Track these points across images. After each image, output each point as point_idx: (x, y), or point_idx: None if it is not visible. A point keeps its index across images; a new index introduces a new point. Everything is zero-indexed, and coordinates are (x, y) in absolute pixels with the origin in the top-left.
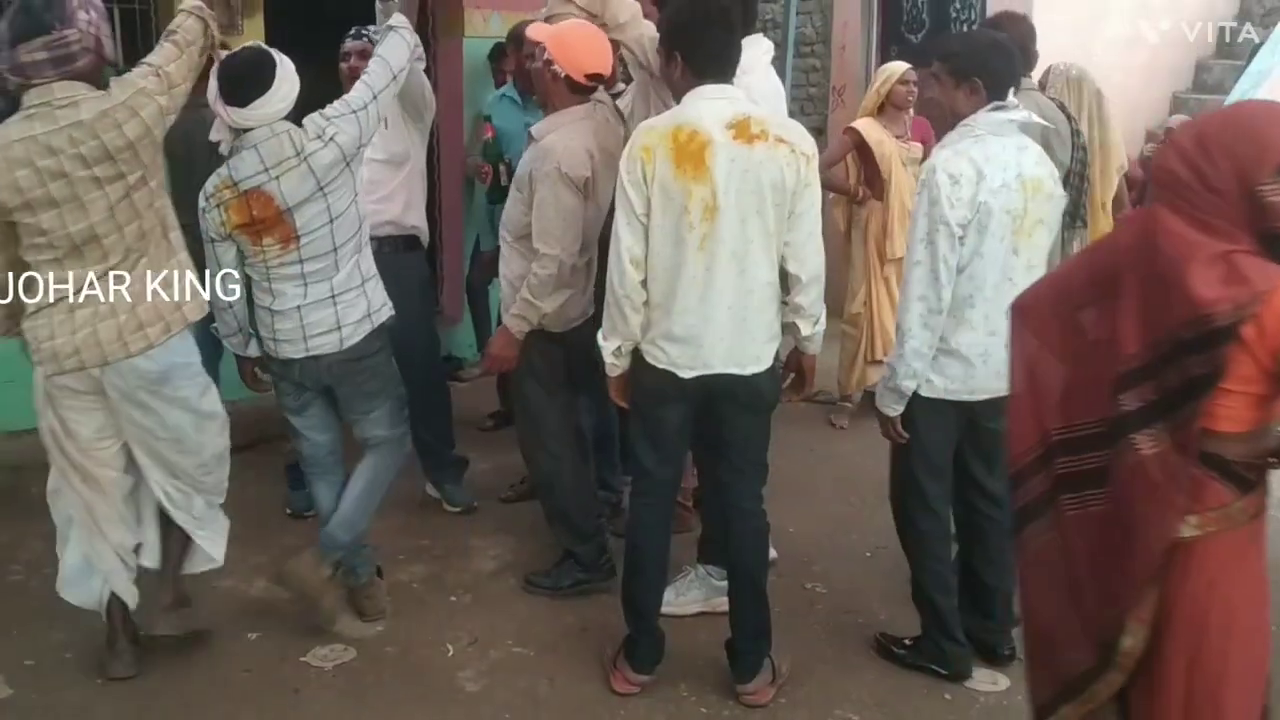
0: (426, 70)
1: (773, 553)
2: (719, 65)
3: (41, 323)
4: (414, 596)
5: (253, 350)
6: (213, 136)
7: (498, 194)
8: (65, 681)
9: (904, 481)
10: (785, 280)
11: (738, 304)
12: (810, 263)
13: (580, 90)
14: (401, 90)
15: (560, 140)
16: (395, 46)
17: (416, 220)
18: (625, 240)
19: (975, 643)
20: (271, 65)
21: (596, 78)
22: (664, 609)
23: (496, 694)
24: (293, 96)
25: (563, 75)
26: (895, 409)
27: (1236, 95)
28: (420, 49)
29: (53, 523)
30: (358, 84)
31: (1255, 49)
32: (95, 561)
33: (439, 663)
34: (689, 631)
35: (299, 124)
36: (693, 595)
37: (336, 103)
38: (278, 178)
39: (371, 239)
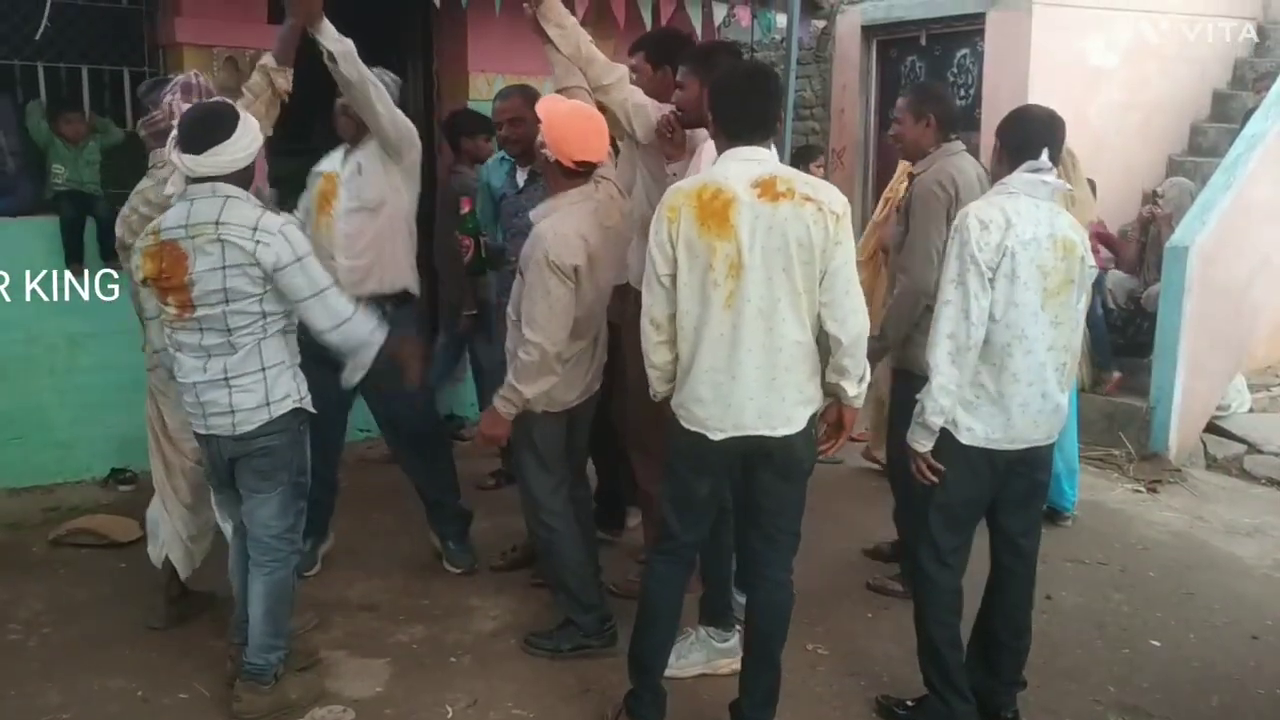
0: (427, 133)
1: None
2: (749, 128)
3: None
4: (413, 657)
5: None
6: (167, 190)
7: (478, 265)
8: None
9: (920, 531)
10: (826, 341)
11: (766, 362)
12: (849, 323)
13: (573, 174)
14: (377, 132)
15: (552, 226)
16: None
17: (400, 275)
18: (646, 301)
19: (980, 703)
20: (234, 117)
21: (586, 165)
22: (665, 672)
23: None
24: (252, 151)
25: (553, 160)
26: (925, 444)
27: (1232, 158)
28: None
29: (50, 582)
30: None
31: (1249, 113)
32: (152, 528)
33: None
34: (689, 693)
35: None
36: (694, 658)
37: (297, 235)
38: (192, 239)
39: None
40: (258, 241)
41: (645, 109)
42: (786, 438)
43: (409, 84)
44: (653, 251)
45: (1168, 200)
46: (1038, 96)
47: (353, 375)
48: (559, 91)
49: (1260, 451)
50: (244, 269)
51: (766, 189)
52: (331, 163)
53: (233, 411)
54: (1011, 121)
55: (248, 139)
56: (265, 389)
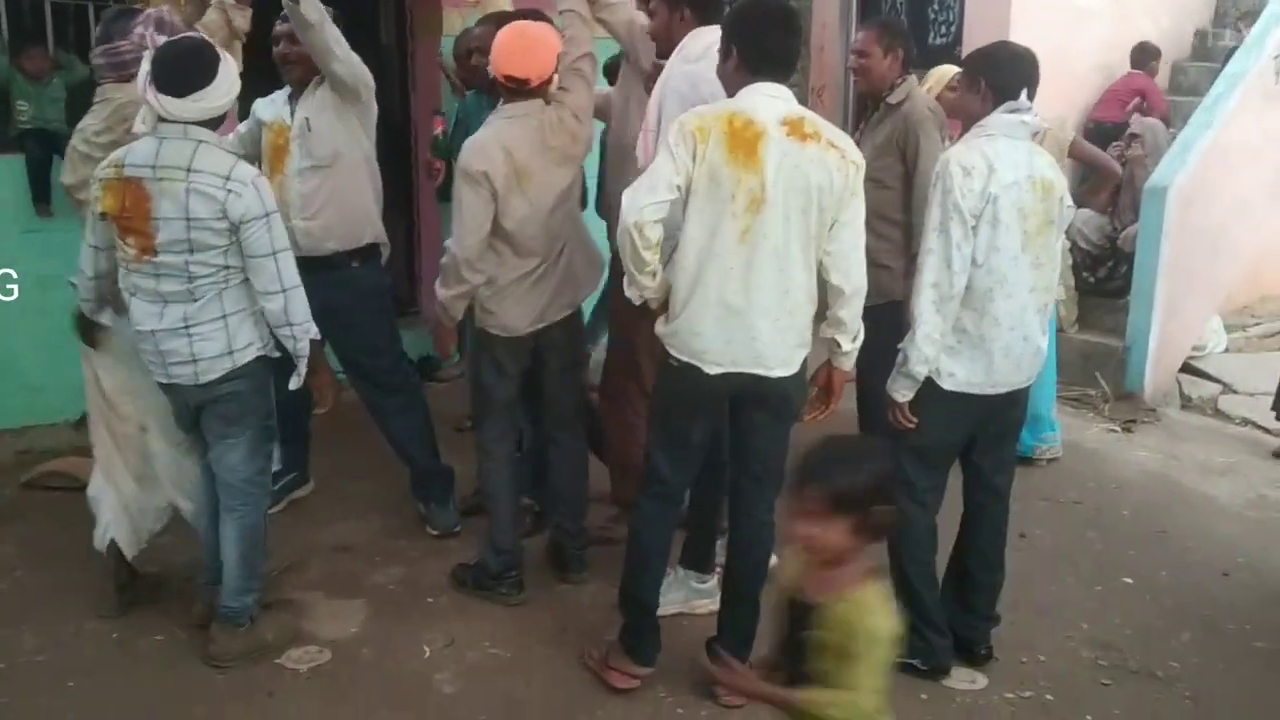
0: (404, 70)
1: (774, 559)
2: (775, 65)
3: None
4: (390, 598)
5: (105, 319)
6: (137, 128)
7: (449, 191)
8: (37, 686)
9: (895, 470)
10: (825, 292)
11: (775, 303)
12: (854, 275)
13: (510, 91)
14: (330, 75)
15: (475, 138)
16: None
17: (363, 227)
18: (640, 200)
19: (954, 639)
20: (216, 59)
21: (514, 80)
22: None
23: (473, 696)
24: (232, 96)
25: (491, 76)
26: (905, 395)
27: (1212, 97)
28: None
29: (23, 525)
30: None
31: (1230, 52)
32: (94, 508)
33: (415, 665)
34: (667, 632)
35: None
36: (673, 596)
37: (268, 189)
38: (159, 181)
39: (317, 258)
40: (229, 191)
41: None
42: (782, 379)
43: (380, 18)
44: (672, 158)
45: (1144, 141)
46: (1019, 35)
47: (296, 379)
48: (560, 14)
49: (1235, 392)
50: (209, 223)
51: (795, 128)
52: (276, 108)
53: (195, 360)
54: (989, 59)
55: (228, 83)
56: (227, 337)
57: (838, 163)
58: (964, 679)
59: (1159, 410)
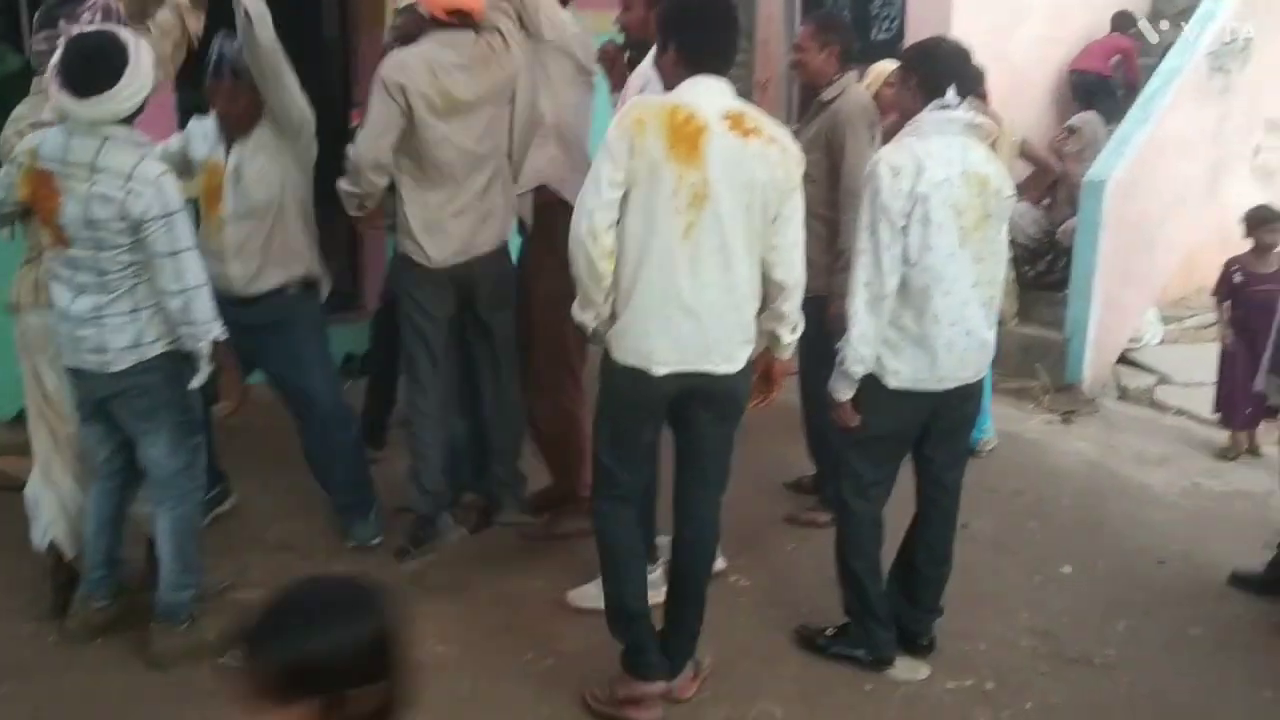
0: (345, 67)
1: (720, 563)
2: (713, 58)
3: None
4: None
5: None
6: (44, 115)
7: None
8: None
9: (842, 463)
10: (767, 286)
11: (720, 300)
12: (795, 269)
13: (443, 26)
14: (275, 107)
15: (398, 54)
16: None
17: (298, 263)
18: (588, 207)
19: (898, 631)
20: (122, 56)
21: (459, 14)
22: (588, 604)
23: (418, 693)
24: (142, 95)
25: (427, 16)
26: (846, 394)
27: (1149, 93)
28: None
29: None
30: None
31: (1167, 48)
32: (32, 510)
33: None
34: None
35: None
36: None
37: (171, 189)
38: (66, 178)
39: (255, 296)
40: (128, 191)
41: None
42: (729, 376)
43: (322, 10)
44: (610, 157)
45: (1081, 135)
46: (960, 30)
47: (199, 377)
48: None
49: (1170, 382)
50: (109, 224)
51: (737, 123)
52: (210, 145)
53: (104, 350)
54: (919, 55)
55: (136, 85)
56: (137, 330)
57: (779, 157)
58: (907, 669)
59: (1097, 401)
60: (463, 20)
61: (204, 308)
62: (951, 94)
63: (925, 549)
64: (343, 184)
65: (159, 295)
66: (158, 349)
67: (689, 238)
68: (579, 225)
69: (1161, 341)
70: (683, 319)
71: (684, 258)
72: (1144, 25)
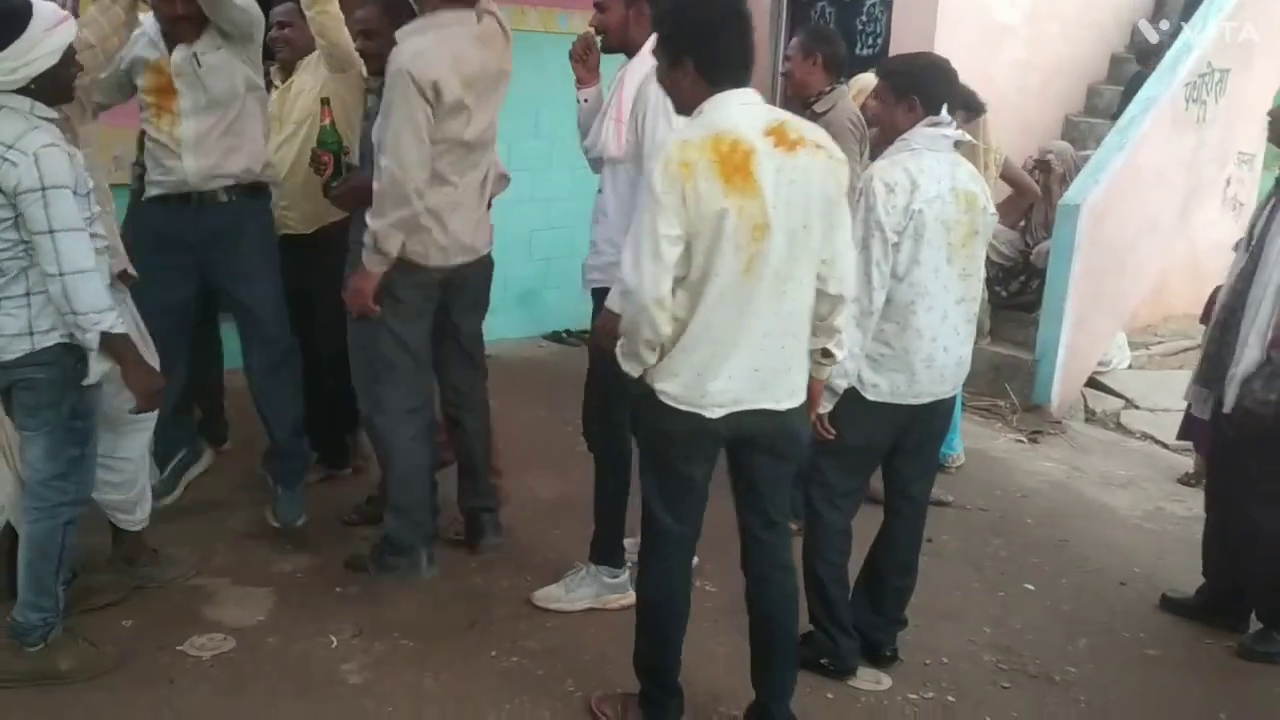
0: None
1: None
2: (738, 68)
3: None
4: (298, 587)
5: None
6: None
7: (337, 185)
8: None
9: (814, 471)
10: (819, 303)
11: (776, 328)
12: (849, 280)
13: (449, 3)
14: (227, 16)
15: (414, 42)
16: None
17: (252, 166)
18: (649, 273)
19: (862, 640)
20: (22, 21)
21: None
22: (553, 605)
23: (380, 687)
24: (36, 66)
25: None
26: (826, 407)
27: (1126, 120)
28: None
29: None
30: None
31: (1135, 75)
32: None
33: (321, 654)
34: (576, 628)
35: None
36: (583, 592)
37: (55, 163)
38: None
39: (203, 193)
40: (4, 160)
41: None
42: (791, 411)
43: None
44: (654, 212)
45: (1061, 159)
46: (943, 49)
47: (91, 374)
48: None
49: (1137, 407)
50: None
51: (780, 137)
52: (147, 46)
53: None
54: (921, 73)
55: (28, 50)
56: (29, 316)
57: (827, 165)
58: (869, 679)
59: (1064, 422)
60: None
61: (89, 296)
62: (944, 111)
63: (891, 560)
64: (378, 222)
65: (44, 276)
66: (51, 339)
67: (750, 271)
68: (641, 294)
69: (1129, 366)
70: (740, 355)
71: (744, 293)
72: (1144, 25)
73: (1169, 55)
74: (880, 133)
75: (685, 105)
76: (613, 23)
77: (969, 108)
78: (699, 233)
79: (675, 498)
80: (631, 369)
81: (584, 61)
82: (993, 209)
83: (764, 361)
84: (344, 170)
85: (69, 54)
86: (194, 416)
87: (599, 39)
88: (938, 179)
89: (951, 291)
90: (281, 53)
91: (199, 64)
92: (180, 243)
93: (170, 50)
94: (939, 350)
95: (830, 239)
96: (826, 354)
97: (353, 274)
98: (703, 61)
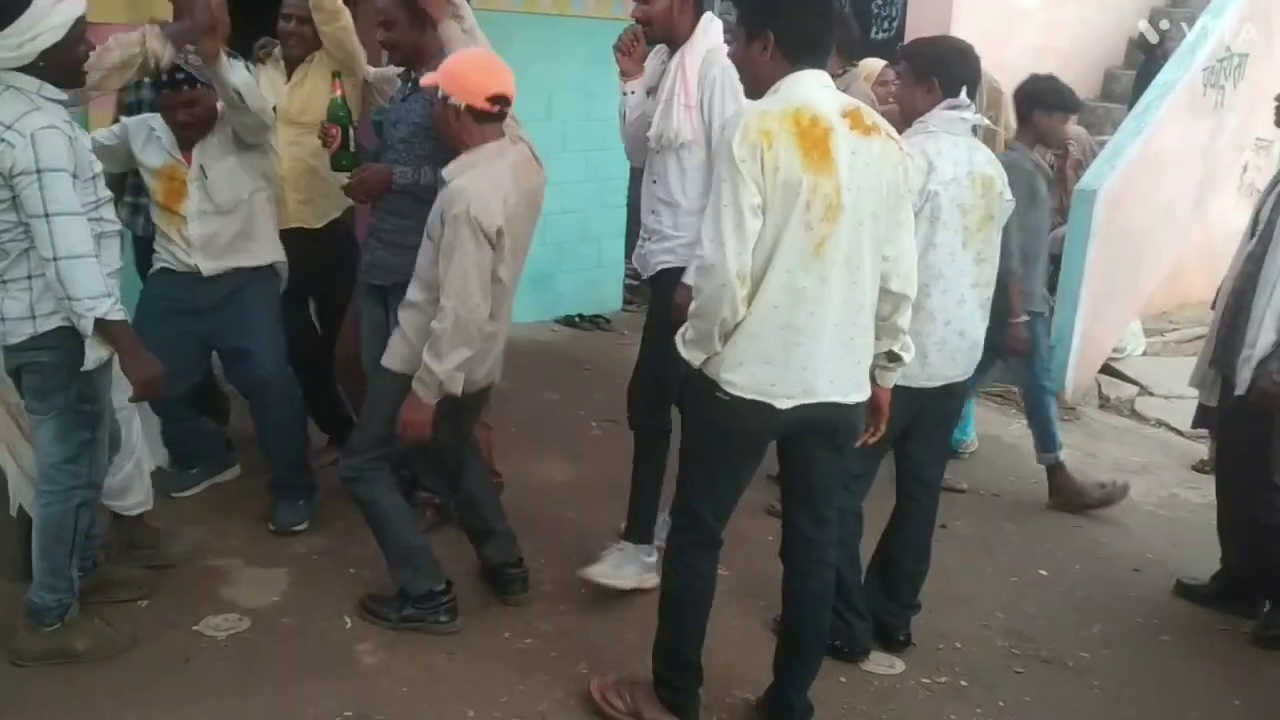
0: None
1: None
2: (818, 50)
3: None
4: (313, 568)
5: None
6: None
7: (346, 160)
8: None
9: None
10: (882, 299)
11: (846, 319)
12: (913, 278)
13: (489, 118)
14: (244, 131)
15: (472, 183)
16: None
17: (260, 258)
18: (733, 245)
19: (875, 626)
20: (17, 2)
21: (501, 99)
22: (604, 579)
23: (394, 667)
24: (43, 40)
25: (461, 107)
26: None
27: (1143, 105)
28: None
29: None
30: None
31: (1142, 63)
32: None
33: (336, 635)
34: (589, 610)
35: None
36: (628, 570)
37: (53, 146)
38: None
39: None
40: (2, 140)
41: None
42: (857, 405)
43: None
44: (735, 182)
45: (1079, 144)
46: (958, 33)
47: (89, 359)
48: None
49: (1151, 394)
50: None
51: (857, 120)
52: (162, 150)
53: (2, 319)
54: (942, 56)
55: (27, 34)
56: (31, 299)
57: (899, 157)
58: (882, 663)
59: (1078, 409)
60: (503, 111)
61: (83, 281)
62: (964, 95)
63: (904, 545)
64: (440, 366)
65: (42, 261)
66: (54, 323)
67: (820, 254)
68: (726, 269)
69: (1144, 353)
70: (810, 344)
71: (813, 277)
72: (1143, 25)
73: (1187, 40)
74: (900, 113)
75: (761, 83)
76: (657, 13)
77: (1065, 108)
78: (773, 206)
79: (722, 498)
80: (695, 356)
81: (630, 54)
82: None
83: (834, 355)
84: (351, 145)
85: (77, 30)
86: (222, 426)
87: (644, 30)
88: (954, 162)
89: (967, 275)
90: (292, 50)
91: (205, 174)
92: (188, 312)
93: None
94: (953, 334)
95: (895, 233)
96: (893, 357)
97: (407, 405)
98: (785, 38)
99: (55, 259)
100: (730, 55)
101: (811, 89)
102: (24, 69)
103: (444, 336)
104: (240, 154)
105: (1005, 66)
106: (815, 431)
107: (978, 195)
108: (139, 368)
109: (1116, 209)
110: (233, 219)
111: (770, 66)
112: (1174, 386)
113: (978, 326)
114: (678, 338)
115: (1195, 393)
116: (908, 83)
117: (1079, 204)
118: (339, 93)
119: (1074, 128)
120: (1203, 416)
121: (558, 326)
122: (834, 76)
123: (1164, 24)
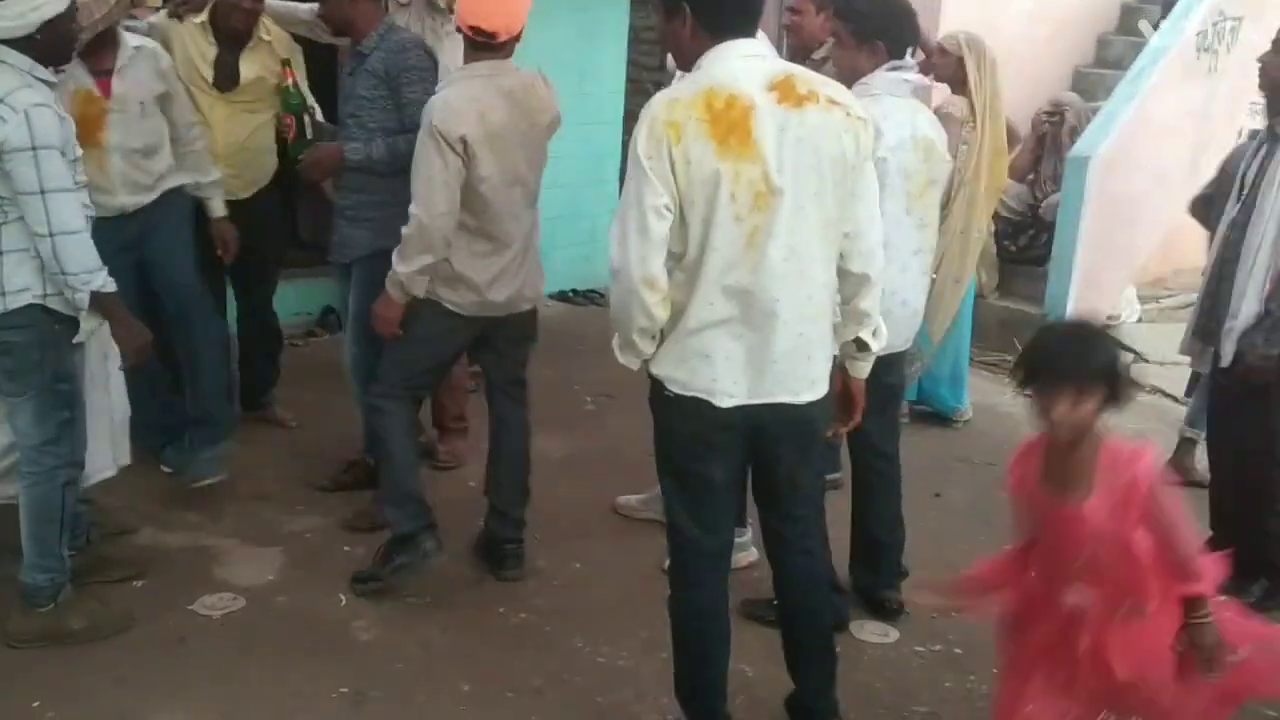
0: None
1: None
2: (744, 18)
3: None
4: (307, 547)
5: None
6: None
7: (301, 148)
8: None
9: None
10: (842, 282)
11: (793, 314)
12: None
13: (477, 46)
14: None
15: (442, 96)
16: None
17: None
18: (636, 250)
19: (865, 598)
20: None
21: (480, 34)
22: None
23: (390, 643)
24: (46, 10)
25: (459, 28)
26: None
27: (1136, 70)
28: None
29: None
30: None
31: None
32: None
33: (331, 613)
34: (583, 586)
35: None
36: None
37: (46, 123)
38: None
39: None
40: None
41: None
42: (811, 405)
43: None
44: (639, 181)
45: (1074, 111)
46: (952, 3)
47: (81, 333)
48: None
49: (1146, 361)
50: None
51: (786, 91)
52: (76, 74)
53: None
54: (885, 16)
55: (22, 6)
56: (2, 276)
57: (844, 124)
58: (876, 632)
59: None
60: (489, 42)
61: (78, 256)
62: (909, 56)
63: (876, 519)
64: (403, 267)
65: (33, 236)
66: (23, 300)
67: (754, 245)
68: (629, 274)
69: (1139, 320)
70: (751, 340)
71: (745, 270)
72: (1143, 25)
73: (1180, 4)
74: (838, 75)
75: (686, 61)
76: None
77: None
78: (692, 202)
79: (697, 501)
80: (629, 360)
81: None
82: (949, 156)
83: (782, 352)
84: (306, 133)
85: (74, 5)
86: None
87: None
88: (898, 125)
89: (910, 242)
90: (236, 23)
91: (143, 112)
92: (112, 250)
93: (97, 81)
94: (897, 304)
95: (850, 208)
96: (861, 346)
97: (380, 301)
98: (699, 7)
99: (51, 235)
100: (657, 34)
101: (733, 63)
102: (19, 45)
103: (409, 241)
104: (174, 88)
105: (998, 34)
106: (771, 432)
107: (920, 160)
108: (131, 336)
109: (1111, 175)
110: (161, 157)
111: (693, 43)
112: (1169, 353)
113: (919, 295)
114: (613, 343)
115: (1190, 360)
116: (849, 45)
117: (1073, 170)
118: (290, 80)
119: (1069, 94)
120: (1195, 385)
121: (551, 301)
122: (821, 44)
123: (1164, 24)
